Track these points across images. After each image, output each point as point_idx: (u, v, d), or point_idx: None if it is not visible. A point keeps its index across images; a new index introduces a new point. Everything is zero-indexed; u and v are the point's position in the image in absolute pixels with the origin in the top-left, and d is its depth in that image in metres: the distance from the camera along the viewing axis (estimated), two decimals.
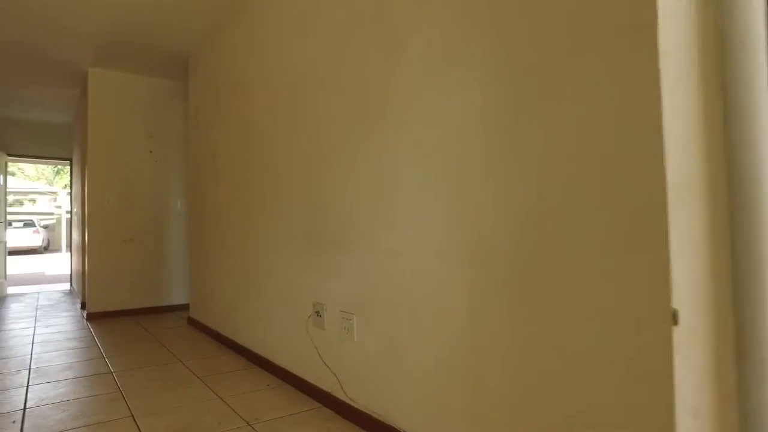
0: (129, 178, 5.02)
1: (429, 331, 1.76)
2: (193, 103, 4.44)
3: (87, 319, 4.76)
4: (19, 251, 17.08)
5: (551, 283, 1.32)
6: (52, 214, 21.89)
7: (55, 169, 27.44)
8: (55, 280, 9.59)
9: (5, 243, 6.90)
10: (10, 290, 7.30)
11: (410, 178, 1.86)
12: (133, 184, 5.04)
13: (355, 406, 2.17)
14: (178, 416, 2.28)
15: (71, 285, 7.32)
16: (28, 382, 2.83)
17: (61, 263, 13.61)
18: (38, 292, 7.14)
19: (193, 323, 4.36)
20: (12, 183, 25.27)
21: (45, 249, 18.81)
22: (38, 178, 28.18)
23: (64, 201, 21.92)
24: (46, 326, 4.50)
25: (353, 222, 2.19)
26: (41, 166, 27.11)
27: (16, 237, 17.33)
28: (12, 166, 26.18)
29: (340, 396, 2.28)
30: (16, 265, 13.41)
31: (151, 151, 5.15)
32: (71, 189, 7.33)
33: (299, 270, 2.62)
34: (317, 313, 2.44)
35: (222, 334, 3.72)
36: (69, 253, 7.09)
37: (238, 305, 3.45)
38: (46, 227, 19.93)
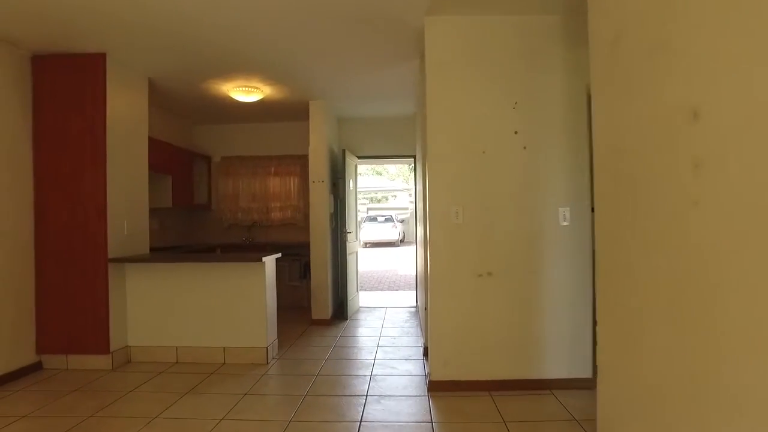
0: (485, 176, 3.21)
1: None
2: (603, 29, 2.18)
3: (429, 390, 3.19)
4: (380, 243, 18.92)
5: None
6: (406, 208, 23.98)
7: (410, 166, 30.49)
8: (405, 284, 9.19)
9: (357, 254, 6.36)
10: (363, 300, 6.82)
11: None
12: (492, 187, 3.21)
13: None
14: None
15: (416, 301, 6.32)
16: None
17: (411, 259, 13.89)
18: (385, 308, 6.39)
19: None
20: (378, 182, 29.37)
21: (401, 242, 20.47)
22: (398, 176, 31.94)
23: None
24: (379, 399, 3.10)
25: None
26: (400, 165, 30.52)
27: (380, 231, 19.28)
28: (378, 167, 30.45)
29: None
30: (376, 258, 14.41)
31: (516, 132, 3.21)
32: (415, 187, 6.31)
33: None
34: None
35: None
36: (415, 247, 6.15)
37: None
38: (402, 221, 21.79)
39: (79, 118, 3.69)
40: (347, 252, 5.69)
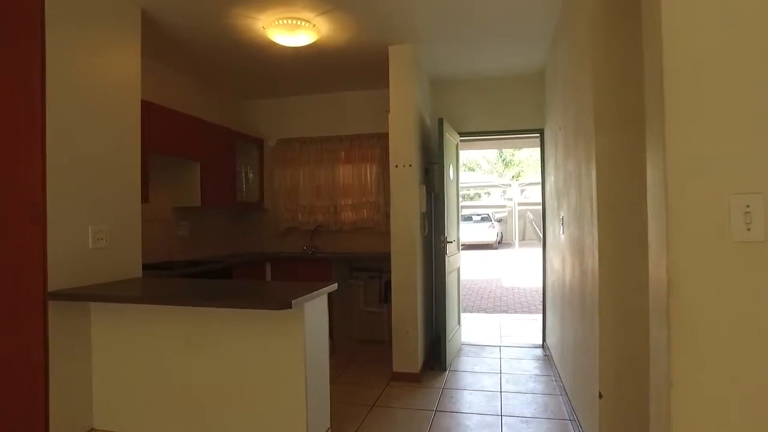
0: None
1: None
2: None
3: None
4: (476, 246, 16.81)
5: None
6: (504, 206, 21.61)
7: (503, 160, 27.96)
8: (515, 302, 7.16)
9: (459, 270, 4.55)
10: (465, 330, 4.95)
11: None
12: None
13: None
14: None
15: (544, 337, 4.37)
16: None
17: (515, 266, 11.78)
18: (498, 347, 4.50)
19: None
20: (472, 177, 27.07)
21: (498, 243, 18.22)
22: (491, 171, 29.44)
23: (513, 192, 21.35)
24: None
25: None
26: (492, 160, 28.11)
27: (475, 231, 17.19)
28: (471, 163, 28.17)
29: None
30: (473, 265, 12.42)
31: None
32: (542, 177, 4.36)
33: None
34: None
35: None
36: (542, 253, 4.41)
37: None
38: (499, 221, 19.51)
39: (8, 60, 2.25)
40: (446, 269, 3.88)
